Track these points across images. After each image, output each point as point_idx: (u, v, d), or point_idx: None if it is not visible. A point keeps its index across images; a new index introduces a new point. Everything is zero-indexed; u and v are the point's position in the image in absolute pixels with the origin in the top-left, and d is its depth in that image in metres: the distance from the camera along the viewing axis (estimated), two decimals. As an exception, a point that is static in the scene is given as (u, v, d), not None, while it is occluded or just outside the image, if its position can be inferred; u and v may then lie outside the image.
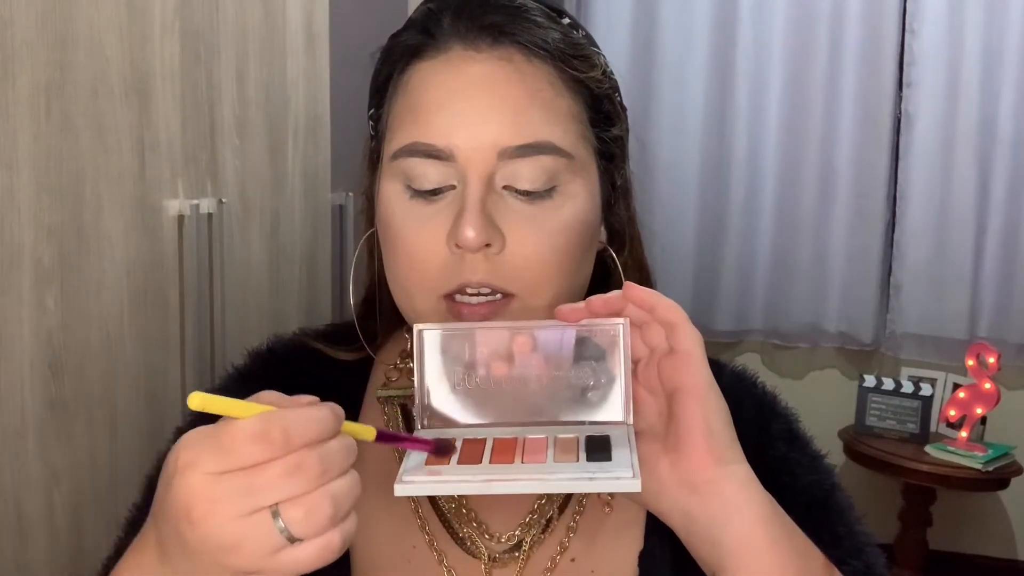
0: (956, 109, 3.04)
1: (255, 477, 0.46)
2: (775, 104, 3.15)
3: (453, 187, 0.65)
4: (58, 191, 1.15)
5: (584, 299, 0.63)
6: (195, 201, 1.44)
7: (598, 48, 0.71)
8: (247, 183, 1.62)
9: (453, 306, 0.64)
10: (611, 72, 0.72)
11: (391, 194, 0.67)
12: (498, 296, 0.65)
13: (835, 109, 3.13)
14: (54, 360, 1.15)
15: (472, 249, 0.63)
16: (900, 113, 3.13)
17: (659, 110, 3.22)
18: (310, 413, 0.48)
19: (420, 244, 0.65)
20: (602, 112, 0.70)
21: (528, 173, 0.64)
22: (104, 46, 1.22)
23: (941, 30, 3.02)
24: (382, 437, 0.55)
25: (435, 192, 0.65)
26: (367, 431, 0.54)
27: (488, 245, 0.63)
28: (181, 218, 1.41)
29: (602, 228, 0.73)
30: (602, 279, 0.73)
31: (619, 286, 0.66)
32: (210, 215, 1.47)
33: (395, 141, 0.67)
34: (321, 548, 0.48)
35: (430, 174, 0.65)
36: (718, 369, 0.70)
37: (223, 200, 1.51)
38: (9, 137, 1.07)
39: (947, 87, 3.04)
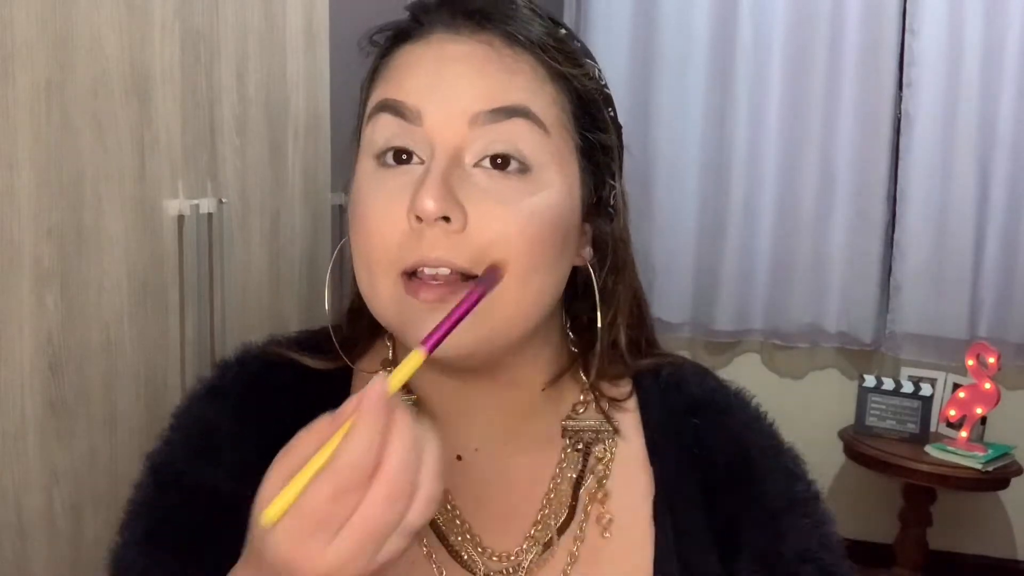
0: (956, 109, 3.04)
1: (369, 527, 0.47)
2: (775, 104, 3.15)
3: (422, 162, 0.62)
4: (58, 191, 1.15)
5: (557, 312, 0.65)
6: (195, 201, 1.44)
7: (594, 61, 0.70)
8: (247, 183, 1.62)
9: (410, 285, 0.61)
10: (605, 85, 0.70)
11: (361, 171, 0.65)
12: (459, 276, 0.61)
13: (835, 109, 3.13)
14: (54, 360, 1.15)
15: (429, 219, 0.59)
16: (900, 113, 3.13)
17: (659, 110, 3.22)
18: (359, 446, 0.47)
19: (380, 217, 0.62)
20: (588, 112, 0.67)
21: (501, 140, 0.61)
22: (104, 46, 1.22)
23: (941, 30, 3.02)
24: (432, 346, 0.52)
25: (401, 156, 0.62)
26: (414, 360, 0.51)
27: (448, 220, 0.59)
28: (181, 218, 1.41)
29: (589, 247, 0.70)
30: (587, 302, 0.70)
31: (594, 309, 0.67)
32: (210, 215, 1.48)
33: (368, 108, 0.65)
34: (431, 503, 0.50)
35: (397, 134, 0.62)
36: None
37: (223, 200, 1.51)
38: (9, 137, 1.07)
39: (947, 87, 3.04)
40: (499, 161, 0.62)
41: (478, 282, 0.58)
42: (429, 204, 0.58)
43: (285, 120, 1.75)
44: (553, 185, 0.63)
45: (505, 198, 0.61)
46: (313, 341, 0.74)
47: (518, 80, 0.63)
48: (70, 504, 1.19)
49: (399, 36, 0.67)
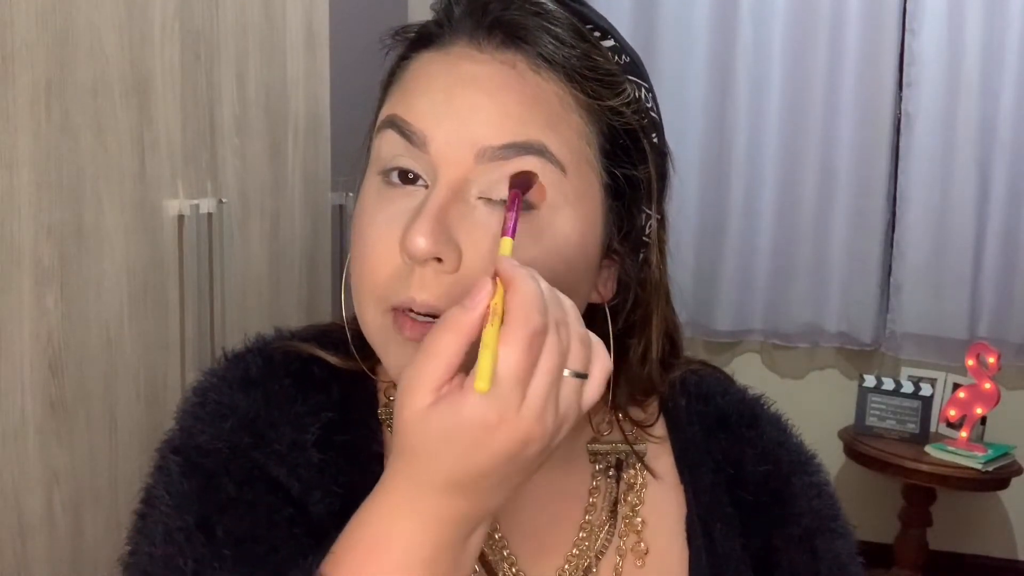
0: (956, 109, 3.04)
1: (549, 368, 0.48)
2: (775, 104, 3.15)
3: (427, 186, 0.58)
4: (58, 191, 1.15)
5: None
6: (195, 201, 1.44)
7: (641, 80, 0.64)
8: (247, 183, 1.62)
9: (397, 318, 0.58)
10: (649, 108, 0.64)
11: (367, 185, 0.62)
12: None
13: (835, 109, 3.13)
14: (54, 360, 1.16)
15: (418, 260, 0.56)
16: (900, 113, 3.13)
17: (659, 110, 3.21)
18: (529, 293, 0.48)
19: (375, 246, 0.59)
20: (620, 146, 0.61)
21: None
22: (104, 46, 1.22)
23: (941, 30, 3.02)
24: (510, 233, 0.52)
25: (407, 175, 0.59)
26: (505, 246, 0.51)
27: (440, 260, 0.56)
28: (181, 218, 1.41)
29: (611, 282, 0.65)
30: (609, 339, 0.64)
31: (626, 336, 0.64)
32: (210, 215, 1.48)
33: (379, 119, 0.62)
34: (602, 357, 0.50)
35: (402, 156, 0.59)
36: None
37: (223, 200, 1.51)
38: (9, 137, 1.07)
39: (947, 87, 3.04)
40: (502, 199, 0.57)
41: (512, 189, 0.55)
42: (420, 243, 0.55)
43: (285, 120, 1.75)
44: (564, 228, 0.58)
45: None
46: (328, 338, 0.70)
47: (539, 111, 0.58)
48: (70, 504, 1.19)
49: (420, 40, 0.63)
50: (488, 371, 0.46)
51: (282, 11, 1.72)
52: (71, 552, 1.19)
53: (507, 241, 0.52)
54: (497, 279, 0.49)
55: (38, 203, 1.12)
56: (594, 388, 0.50)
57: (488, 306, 0.48)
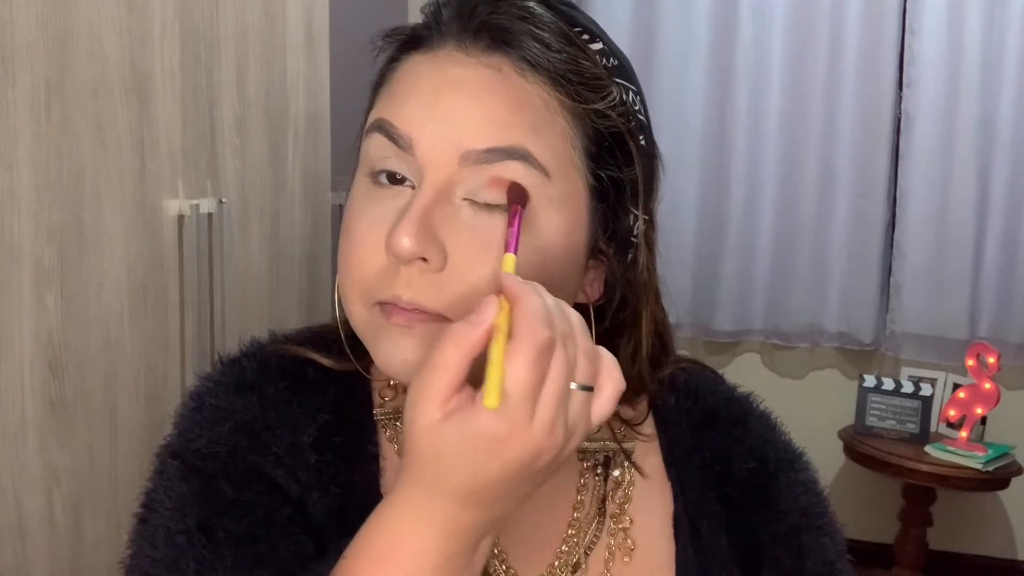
0: (956, 109, 3.04)
1: (558, 382, 0.48)
2: (775, 104, 3.15)
3: (414, 187, 0.59)
4: (58, 191, 1.15)
5: None
6: (195, 201, 1.44)
7: (629, 83, 0.65)
8: (247, 183, 1.62)
9: (385, 307, 0.60)
10: (637, 111, 0.65)
11: (356, 185, 0.63)
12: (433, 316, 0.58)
13: (835, 109, 3.12)
14: (54, 360, 1.16)
15: (402, 259, 0.57)
16: (900, 113, 3.13)
17: (659, 110, 3.21)
18: (536, 308, 0.48)
19: (361, 244, 0.60)
20: (605, 149, 0.62)
21: (491, 183, 0.58)
22: (104, 46, 1.23)
23: (941, 30, 3.02)
24: (512, 248, 0.53)
25: (395, 176, 0.60)
26: (510, 264, 0.52)
27: (424, 260, 0.57)
28: (181, 218, 1.41)
29: (598, 283, 0.65)
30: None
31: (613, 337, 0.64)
32: (210, 215, 1.48)
33: (368, 121, 0.63)
34: (614, 374, 0.50)
35: (390, 158, 0.60)
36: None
37: (223, 200, 1.51)
38: (9, 137, 1.07)
39: (947, 87, 3.04)
40: (490, 202, 0.58)
41: (512, 204, 0.56)
42: (405, 243, 0.56)
43: (285, 120, 1.75)
44: (548, 230, 0.59)
45: (490, 240, 0.57)
46: (322, 340, 0.71)
47: (523, 115, 0.58)
48: (70, 504, 1.19)
49: (410, 42, 0.63)
50: (496, 387, 0.47)
51: (282, 11, 1.72)
52: (71, 552, 1.19)
53: (510, 257, 0.53)
54: (501, 296, 0.49)
55: (38, 203, 1.12)
56: (605, 403, 0.51)
57: (494, 322, 0.48)
